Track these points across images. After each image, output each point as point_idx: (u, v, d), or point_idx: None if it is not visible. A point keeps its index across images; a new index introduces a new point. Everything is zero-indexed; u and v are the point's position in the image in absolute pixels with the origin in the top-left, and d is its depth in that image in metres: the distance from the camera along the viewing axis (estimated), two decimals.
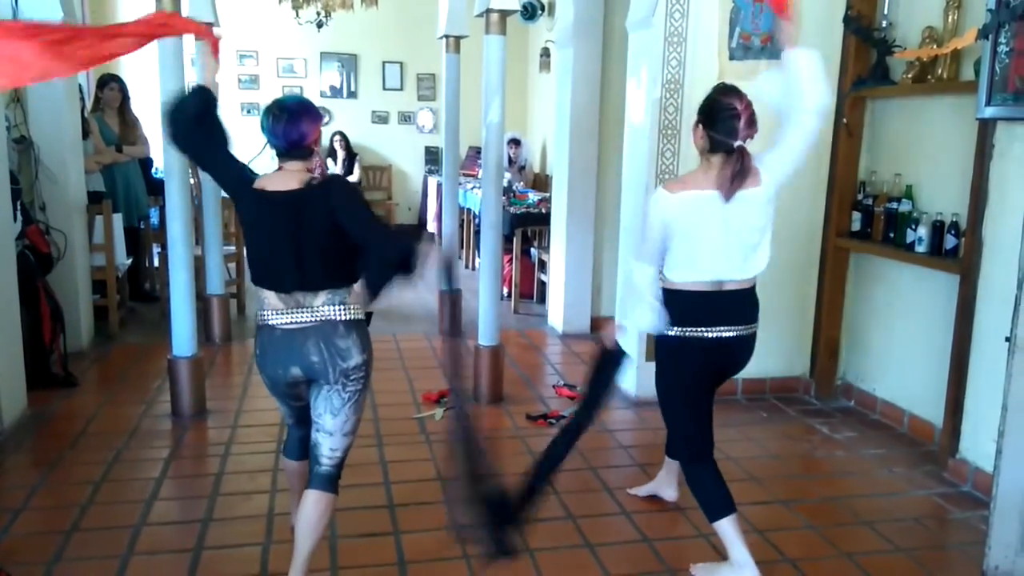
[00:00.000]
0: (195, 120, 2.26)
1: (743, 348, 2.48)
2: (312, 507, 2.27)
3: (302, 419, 2.45)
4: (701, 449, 2.54)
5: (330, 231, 2.15)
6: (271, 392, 2.40)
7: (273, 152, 2.24)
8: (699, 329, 2.40)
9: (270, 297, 2.23)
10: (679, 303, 2.42)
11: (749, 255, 2.37)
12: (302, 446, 2.53)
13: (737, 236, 2.34)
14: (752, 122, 2.29)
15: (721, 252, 2.34)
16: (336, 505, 2.35)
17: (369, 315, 2.36)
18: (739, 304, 2.42)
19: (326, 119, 9.29)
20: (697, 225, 2.33)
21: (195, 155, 2.40)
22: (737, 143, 2.27)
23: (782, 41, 2.38)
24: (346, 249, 2.19)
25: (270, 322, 2.24)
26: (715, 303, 2.39)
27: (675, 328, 2.43)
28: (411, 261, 2.07)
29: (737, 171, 2.28)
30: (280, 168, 2.25)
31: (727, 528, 2.46)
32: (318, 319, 2.19)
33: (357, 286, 2.23)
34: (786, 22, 2.38)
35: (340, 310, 2.21)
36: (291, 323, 2.20)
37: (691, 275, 2.38)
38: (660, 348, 2.53)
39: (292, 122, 2.18)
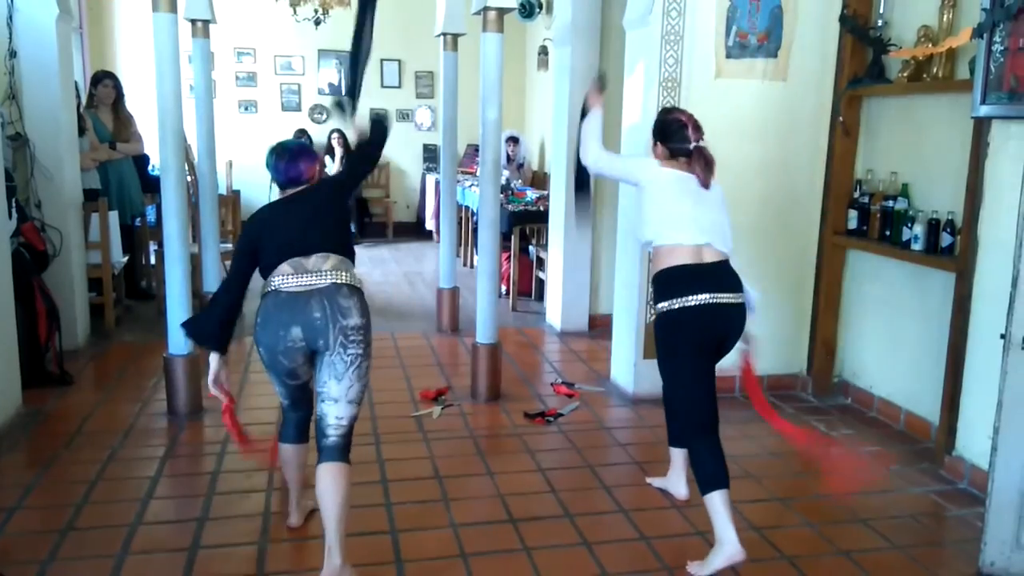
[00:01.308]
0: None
1: (733, 315, 2.64)
2: (326, 478, 2.34)
3: (298, 401, 2.59)
4: (707, 421, 2.62)
5: (337, 206, 2.53)
6: (268, 368, 2.49)
7: (277, 187, 2.60)
8: (687, 298, 2.59)
9: (281, 267, 2.39)
10: (666, 280, 2.65)
11: (724, 229, 2.69)
12: (298, 429, 2.67)
13: (709, 208, 2.68)
14: (698, 127, 2.71)
15: (701, 218, 2.65)
16: (350, 476, 2.39)
17: None
18: (719, 274, 2.64)
19: (324, 117, 9.29)
20: (680, 193, 2.67)
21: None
22: (692, 144, 2.68)
23: None
24: (348, 228, 2.54)
25: (276, 286, 2.38)
26: (696, 273, 2.61)
27: (666, 302, 2.63)
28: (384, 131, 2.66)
29: (705, 164, 2.67)
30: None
31: (716, 501, 2.50)
32: (325, 281, 2.37)
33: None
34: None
35: (346, 276, 2.41)
36: (298, 285, 2.36)
37: (676, 237, 2.64)
38: (658, 326, 2.70)
39: (292, 161, 2.54)
